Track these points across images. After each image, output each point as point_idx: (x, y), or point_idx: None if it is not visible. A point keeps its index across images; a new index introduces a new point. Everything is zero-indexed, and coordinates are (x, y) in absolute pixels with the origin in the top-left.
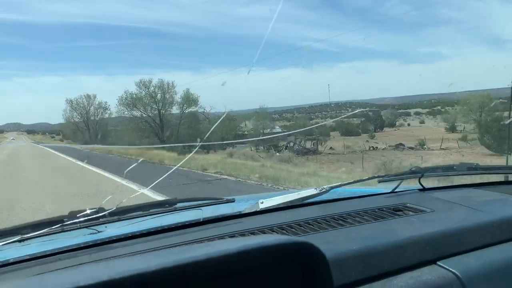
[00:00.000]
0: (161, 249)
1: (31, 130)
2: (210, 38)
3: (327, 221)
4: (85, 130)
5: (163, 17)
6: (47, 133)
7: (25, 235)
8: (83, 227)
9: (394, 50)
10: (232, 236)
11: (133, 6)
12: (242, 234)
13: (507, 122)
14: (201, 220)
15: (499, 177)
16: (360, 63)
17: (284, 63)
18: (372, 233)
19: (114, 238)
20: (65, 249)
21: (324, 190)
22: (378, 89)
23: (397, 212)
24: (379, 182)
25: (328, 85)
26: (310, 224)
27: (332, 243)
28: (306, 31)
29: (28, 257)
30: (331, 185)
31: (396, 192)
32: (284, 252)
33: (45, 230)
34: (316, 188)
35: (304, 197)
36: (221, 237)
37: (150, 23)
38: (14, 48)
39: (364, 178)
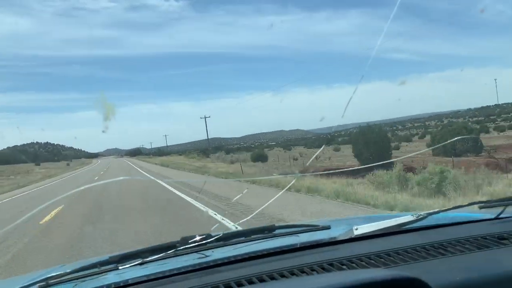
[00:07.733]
0: (262, 274)
1: (129, 153)
2: (290, 57)
3: (426, 249)
4: None
5: (243, 40)
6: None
7: (145, 259)
8: (193, 252)
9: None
10: (330, 263)
11: (214, 33)
12: (340, 262)
13: None
14: (298, 246)
15: None
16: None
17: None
18: (476, 264)
19: (220, 262)
20: (177, 271)
21: (422, 216)
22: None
23: (502, 241)
24: (481, 208)
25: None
26: (408, 253)
27: (433, 273)
28: (389, 42)
29: (145, 279)
30: (429, 211)
31: (500, 218)
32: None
33: (162, 254)
34: (413, 214)
35: (401, 223)
36: (319, 264)
37: (230, 48)
38: (113, 81)
39: (464, 204)
